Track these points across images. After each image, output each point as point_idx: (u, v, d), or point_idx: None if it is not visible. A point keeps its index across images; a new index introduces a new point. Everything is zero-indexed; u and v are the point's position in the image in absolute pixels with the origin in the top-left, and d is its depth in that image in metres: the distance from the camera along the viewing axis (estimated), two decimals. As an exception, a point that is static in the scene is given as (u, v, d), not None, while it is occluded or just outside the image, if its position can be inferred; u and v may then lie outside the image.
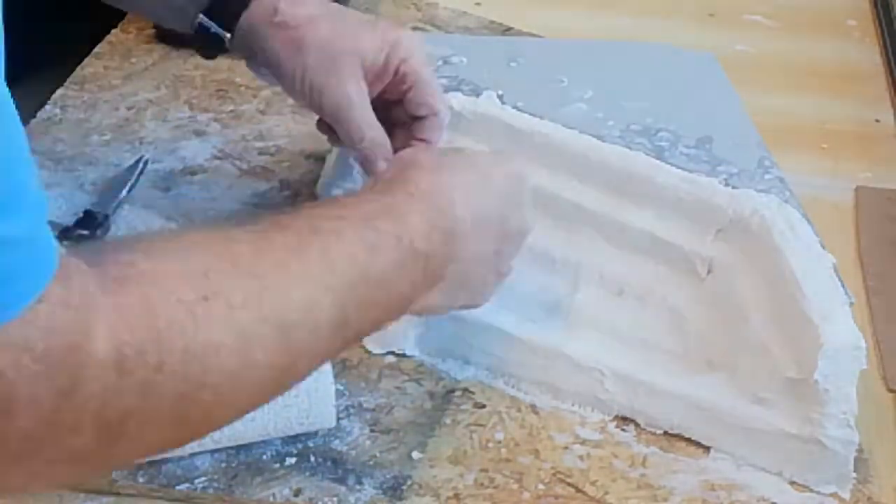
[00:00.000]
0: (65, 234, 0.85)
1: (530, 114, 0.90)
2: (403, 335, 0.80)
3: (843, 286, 0.76)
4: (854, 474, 0.73)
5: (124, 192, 0.91)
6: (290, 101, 1.03)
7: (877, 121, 1.10)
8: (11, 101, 0.46)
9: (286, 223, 0.60)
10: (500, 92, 0.92)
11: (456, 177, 0.69)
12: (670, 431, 0.76)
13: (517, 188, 0.73)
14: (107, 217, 0.88)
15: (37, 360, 0.46)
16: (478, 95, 0.92)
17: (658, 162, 0.86)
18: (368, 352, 0.80)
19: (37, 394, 0.46)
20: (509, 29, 1.17)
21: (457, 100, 0.90)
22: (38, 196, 0.48)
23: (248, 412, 0.57)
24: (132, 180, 0.92)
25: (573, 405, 0.77)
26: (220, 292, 0.52)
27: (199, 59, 1.10)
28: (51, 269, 0.47)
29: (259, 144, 0.99)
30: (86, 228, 0.87)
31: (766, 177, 0.86)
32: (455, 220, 0.67)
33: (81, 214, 0.88)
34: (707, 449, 0.75)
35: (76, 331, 0.47)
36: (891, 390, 0.81)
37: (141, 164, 0.94)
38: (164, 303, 0.50)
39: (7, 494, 0.55)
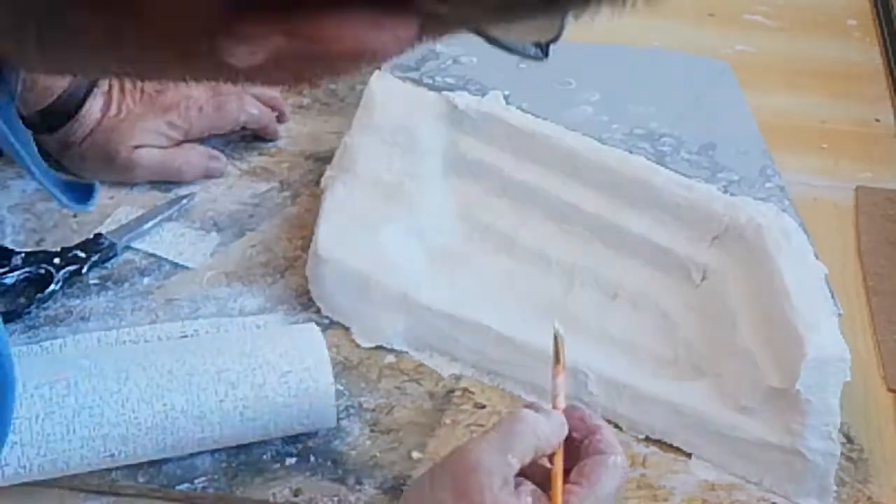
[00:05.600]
0: (63, 254, 0.83)
1: (534, 115, 0.90)
2: (392, 329, 0.80)
3: (833, 297, 0.76)
4: (835, 487, 0.72)
5: (148, 226, 0.88)
6: (290, 101, 1.03)
7: (877, 121, 1.10)
8: None
9: None
10: (507, 92, 0.92)
11: None
12: (652, 437, 0.75)
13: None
14: (113, 245, 0.85)
15: None
16: (483, 95, 0.92)
17: (657, 166, 0.86)
18: (368, 352, 0.80)
19: None
20: (509, 29, 1.17)
21: (461, 99, 0.91)
22: None
23: None
24: (164, 216, 0.89)
25: None
26: None
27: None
28: None
29: (259, 144, 0.99)
30: (85, 251, 0.84)
31: (767, 185, 0.86)
32: None
33: (91, 236, 0.85)
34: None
35: None
36: (891, 390, 0.81)
37: (184, 202, 0.90)
38: None
39: None
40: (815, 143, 1.06)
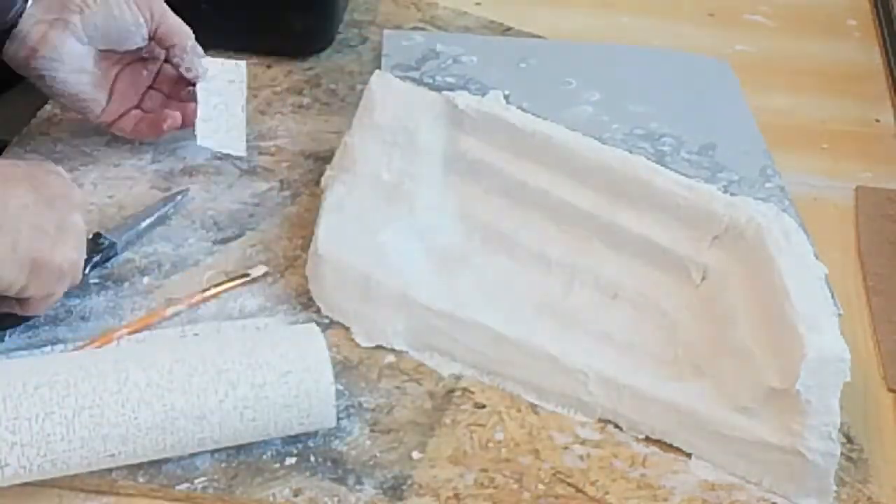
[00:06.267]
0: None
1: (534, 115, 0.90)
2: (392, 330, 0.80)
3: (833, 297, 0.76)
4: (835, 487, 0.72)
5: (145, 224, 0.88)
6: (290, 100, 1.03)
7: (877, 121, 1.10)
8: None
9: None
10: (507, 92, 0.92)
11: None
12: (652, 437, 0.75)
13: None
14: (113, 245, 0.85)
15: None
16: (484, 94, 0.92)
17: (657, 166, 0.86)
18: (368, 352, 0.80)
19: None
20: (509, 29, 1.17)
21: (462, 98, 0.91)
22: None
23: None
24: (160, 213, 0.89)
25: (556, 406, 0.77)
26: None
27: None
28: None
29: (259, 144, 0.99)
30: (85, 251, 0.81)
31: (767, 185, 0.86)
32: None
33: (90, 236, 0.84)
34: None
35: None
36: (891, 390, 0.81)
37: (179, 198, 0.91)
38: None
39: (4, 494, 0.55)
40: (815, 143, 1.06)
